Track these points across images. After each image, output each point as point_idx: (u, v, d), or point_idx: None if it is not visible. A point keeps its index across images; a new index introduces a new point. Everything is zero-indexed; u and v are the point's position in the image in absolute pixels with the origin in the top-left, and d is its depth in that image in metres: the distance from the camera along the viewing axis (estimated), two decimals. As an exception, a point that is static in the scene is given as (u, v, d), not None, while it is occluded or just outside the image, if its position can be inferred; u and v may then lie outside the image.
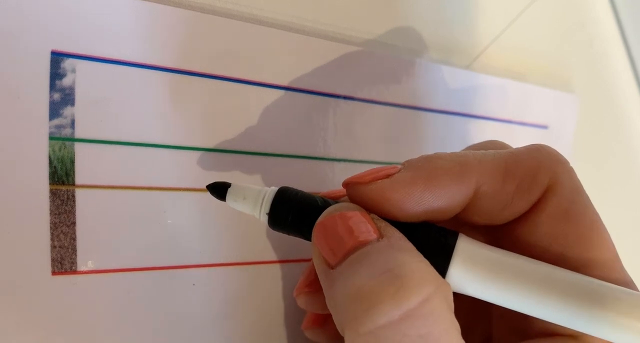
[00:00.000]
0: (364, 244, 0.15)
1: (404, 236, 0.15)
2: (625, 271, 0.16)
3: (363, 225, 0.15)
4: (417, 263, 0.14)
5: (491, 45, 0.29)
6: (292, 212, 0.17)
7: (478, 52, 0.29)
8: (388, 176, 0.16)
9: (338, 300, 0.14)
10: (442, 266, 0.15)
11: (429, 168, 0.16)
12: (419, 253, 0.15)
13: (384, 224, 0.15)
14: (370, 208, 0.16)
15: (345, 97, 0.23)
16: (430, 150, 0.26)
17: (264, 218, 0.17)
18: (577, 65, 0.34)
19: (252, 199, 0.17)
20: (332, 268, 0.15)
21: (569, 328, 0.15)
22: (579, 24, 0.34)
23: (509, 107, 0.29)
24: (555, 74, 0.32)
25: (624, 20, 0.35)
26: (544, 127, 0.31)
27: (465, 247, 0.15)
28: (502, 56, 0.30)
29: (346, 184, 0.17)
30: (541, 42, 0.32)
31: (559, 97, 0.32)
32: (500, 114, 0.29)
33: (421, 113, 0.26)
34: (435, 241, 0.16)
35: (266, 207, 0.17)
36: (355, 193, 0.16)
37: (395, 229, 0.15)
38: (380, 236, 0.15)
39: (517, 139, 0.30)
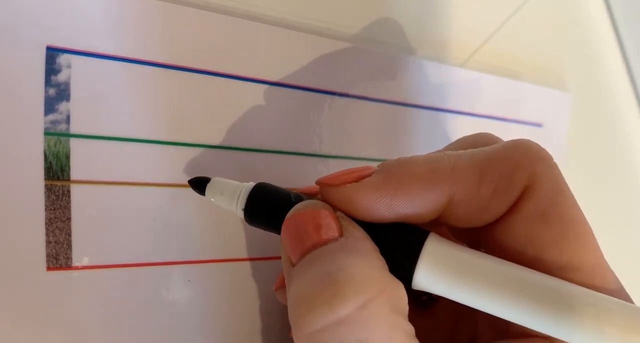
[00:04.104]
0: (323, 243, 0.14)
1: (366, 236, 0.15)
2: (610, 276, 0.15)
3: (326, 224, 0.15)
4: (360, 267, 0.14)
5: (485, 43, 0.29)
6: (267, 208, 0.17)
7: (472, 50, 0.29)
8: (359, 179, 0.15)
9: (289, 300, 0.14)
10: (409, 266, 0.15)
11: (401, 174, 0.15)
12: (375, 255, 0.15)
13: (347, 223, 0.15)
14: (340, 209, 0.16)
15: (339, 94, 0.23)
16: (423, 148, 0.26)
17: (240, 214, 0.17)
18: (572, 63, 0.34)
19: (230, 194, 0.17)
20: (293, 265, 0.15)
21: None
22: (573, 22, 0.34)
23: (503, 105, 0.30)
24: (550, 72, 0.33)
25: (618, 18, 0.35)
26: (539, 125, 0.31)
27: (433, 248, 0.15)
28: (496, 54, 0.30)
29: (318, 183, 0.16)
30: (535, 40, 0.32)
31: (553, 95, 0.32)
32: (494, 111, 0.29)
33: (415, 110, 0.26)
34: (404, 241, 0.15)
35: (242, 203, 0.17)
36: (326, 194, 0.16)
37: (358, 228, 0.15)
38: (341, 235, 0.15)
39: (512, 137, 0.30)
